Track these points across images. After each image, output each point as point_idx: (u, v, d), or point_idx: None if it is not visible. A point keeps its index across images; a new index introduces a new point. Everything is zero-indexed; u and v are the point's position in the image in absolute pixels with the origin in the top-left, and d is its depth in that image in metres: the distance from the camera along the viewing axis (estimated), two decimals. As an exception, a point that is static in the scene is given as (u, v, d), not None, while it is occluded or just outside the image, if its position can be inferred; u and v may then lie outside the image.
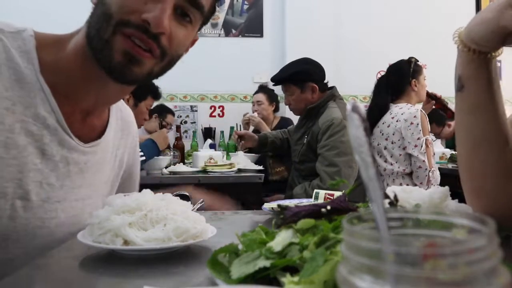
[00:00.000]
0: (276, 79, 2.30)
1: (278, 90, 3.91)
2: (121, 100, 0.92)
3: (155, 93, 2.44)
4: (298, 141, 2.33)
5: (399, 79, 2.40)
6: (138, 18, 0.67)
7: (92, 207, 0.83)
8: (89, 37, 0.70)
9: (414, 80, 2.38)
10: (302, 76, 2.23)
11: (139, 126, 2.45)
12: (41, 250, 0.74)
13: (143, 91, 2.33)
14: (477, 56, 0.64)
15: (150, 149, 2.17)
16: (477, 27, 0.63)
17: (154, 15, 0.67)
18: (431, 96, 2.61)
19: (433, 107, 2.69)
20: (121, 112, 0.92)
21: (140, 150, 2.08)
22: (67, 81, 0.74)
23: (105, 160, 0.85)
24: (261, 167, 2.61)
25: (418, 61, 2.44)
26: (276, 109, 3.64)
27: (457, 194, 0.76)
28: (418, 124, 2.22)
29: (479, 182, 0.71)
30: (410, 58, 2.43)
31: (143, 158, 2.10)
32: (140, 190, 0.69)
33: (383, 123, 2.36)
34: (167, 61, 0.74)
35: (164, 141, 2.27)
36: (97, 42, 0.69)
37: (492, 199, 0.71)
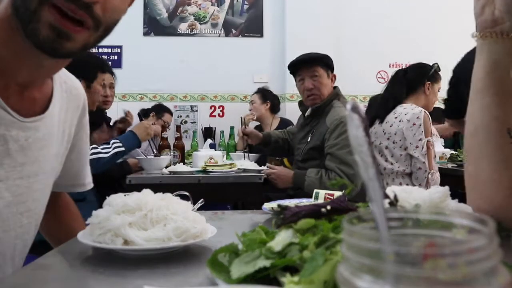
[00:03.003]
0: (308, 58, 2.27)
1: (278, 91, 3.92)
2: (65, 71, 0.86)
3: (102, 67, 2.30)
4: (302, 139, 2.34)
5: (416, 76, 2.40)
6: None
7: (40, 183, 0.80)
8: (15, 6, 0.63)
9: (428, 82, 2.38)
10: (330, 61, 2.29)
11: (94, 104, 2.29)
12: None
13: (91, 71, 2.20)
14: (478, 39, 0.70)
15: (130, 140, 2.12)
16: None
17: None
18: None
19: None
20: (66, 84, 0.86)
21: (118, 141, 2.06)
22: None
23: (52, 135, 0.81)
24: (265, 167, 2.61)
25: (440, 70, 2.44)
26: (274, 110, 3.62)
27: (457, 194, 0.77)
28: (420, 125, 2.21)
29: (475, 167, 0.74)
30: (434, 64, 2.45)
31: (122, 149, 2.06)
32: (140, 190, 0.69)
33: (386, 122, 2.36)
34: (102, 30, 0.68)
35: (145, 132, 2.21)
36: (23, 14, 0.61)
37: (483, 186, 0.72)
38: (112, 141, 2.05)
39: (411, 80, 2.40)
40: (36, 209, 0.82)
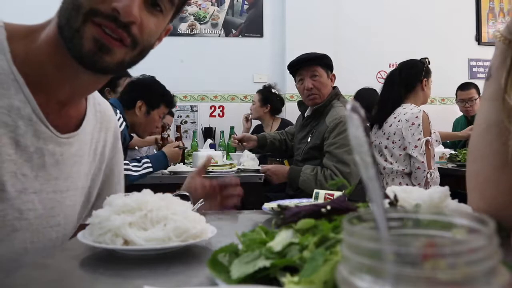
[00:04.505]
0: (307, 58, 2.27)
1: (284, 90, 3.92)
2: (99, 95, 0.92)
3: (169, 102, 2.34)
4: (302, 140, 2.35)
5: (412, 75, 2.39)
6: (108, 7, 0.68)
7: (71, 200, 0.83)
8: (60, 26, 0.70)
9: (425, 79, 2.38)
10: (329, 61, 2.29)
11: (149, 134, 2.39)
12: (23, 243, 0.74)
13: (156, 99, 2.25)
14: (510, 47, 0.69)
15: (160, 161, 2.13)
16: None
17: (123, 4, 0.68)
18: None
19: None
20: (100, 106, 0.91)
21: (149, 161, 2.07)
22: (40, 72, 0.73)
23: (84, 152, 0.85)
24: None
25: (430, 63, 2.44)
26: (275, 113, 3.60)
27: (457, 194, 0.77)
28: (419, 124, 2.21)
29: (479, 165, 0.74)
30: (423, 59, 2.44)
31: (151, 170, 2.07)
32: (140, 190, 0.69)
33: (385, 123, 2.36)
34: (139, 50, 0.75)
35: (175, 157, 2.24)
36: (67, 31, 0.69)
37: (485, 185, 0.73)
38: (143, 161, 2.06)
39: (407, 80, 2.40)
40: (65, 224, 0.83)
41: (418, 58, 2.49)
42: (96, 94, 0.90)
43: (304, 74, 2.27)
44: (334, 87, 2.33)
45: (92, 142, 0.88)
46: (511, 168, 0.70)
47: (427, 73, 2.40)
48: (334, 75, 2.31)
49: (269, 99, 3.52)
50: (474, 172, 0.75)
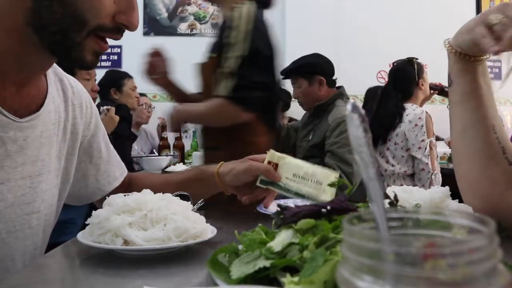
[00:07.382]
0: (284, 71, 2.33)
1: (289, 88, 3.92)
2: (60, 69, 0.89)
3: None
4: (304, 138, 2.35)
5: (407, 84, 2.36)
6: (113, 21, 0.69)
7: (47, 184, 0.80)
8: (43, 29, 0.68)
9: (420, 80, 2.37)
10: (309, 68, 2.28)
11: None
12: None
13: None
14: (463, 57, 0.73)
15: None
16: (462, 35, 0.72)
17: (132, 19, 0.71)
18: (432, 88, 2.58)
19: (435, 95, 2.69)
20: (62, 82, 0.87)
21: None
22: None
23: (51, 133, 0.81)
24: None
25: (417, 59, 2.43)
26: (285, 109, 3.68)
27: (457, 194, 0.77)
28: (422, 125, 2.20)
29: (466, 166, 0.76)
30: (411, 59, 2.41)
31: None
32: (140, 190, 0.69)
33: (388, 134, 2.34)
34: None
35: (110, 125, 2.31)
36: (66, 42, 0.69)
37: (477, 184, 0.74)
38: None
39: (405, 89, 2.36)
40: (46, 209, 0.80)
41: (419, 58, 2.47)
42: (58, 71, 0.87)
43: (292, 83, 2.35)
44: (339, 87, 2.33)
45: (60, 121, 0.84)
46: (496, 164, 0.72)
47: (420, 71, 2.38)
48: (322, 79, 2.26)
49: (282, 95, 3.67)
50: (462, 174, 0.77)
